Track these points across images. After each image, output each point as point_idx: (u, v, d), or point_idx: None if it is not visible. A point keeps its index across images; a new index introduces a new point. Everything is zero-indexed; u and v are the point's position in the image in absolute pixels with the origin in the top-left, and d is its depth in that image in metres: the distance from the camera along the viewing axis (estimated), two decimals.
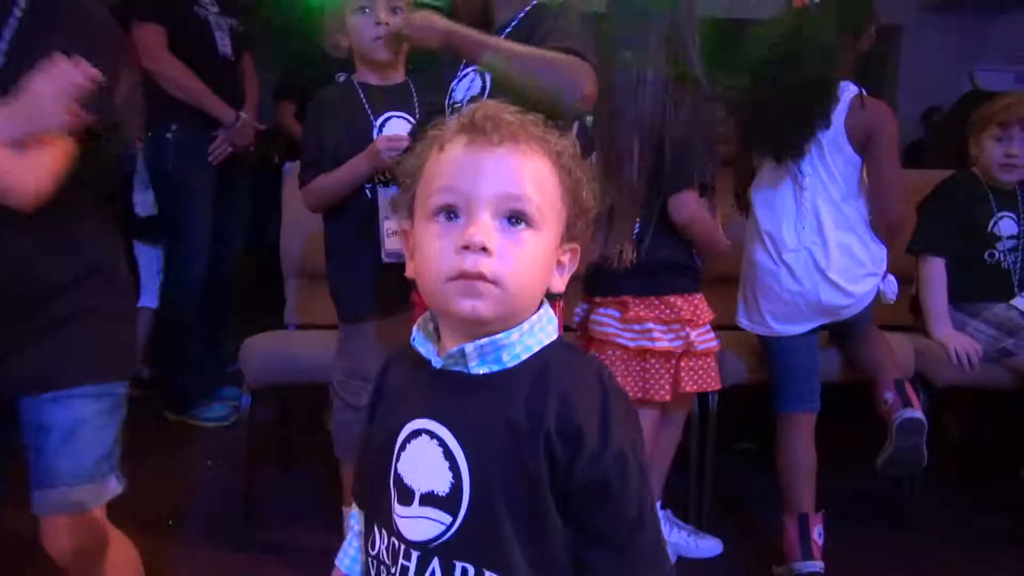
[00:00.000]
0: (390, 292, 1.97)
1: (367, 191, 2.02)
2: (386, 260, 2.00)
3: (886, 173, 2.13)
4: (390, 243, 1.99)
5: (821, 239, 2.15)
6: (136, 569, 1.55)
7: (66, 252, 1.40)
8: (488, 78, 1.65)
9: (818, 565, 2.11)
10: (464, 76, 1.68)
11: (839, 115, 2.12)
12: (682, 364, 2.05)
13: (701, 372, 2.07)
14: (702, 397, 2.34)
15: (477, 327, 0.84)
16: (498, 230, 0.82)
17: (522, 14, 1.70)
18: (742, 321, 2.33)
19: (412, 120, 2.06)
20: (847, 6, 2.20)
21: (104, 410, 1.43)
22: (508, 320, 0.85)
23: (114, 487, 1.47)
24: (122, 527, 1.55)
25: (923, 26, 5.44)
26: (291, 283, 2.80)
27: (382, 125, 2.05)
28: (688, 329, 2.02)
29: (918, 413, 2.16)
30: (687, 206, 1.98)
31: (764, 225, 2.24)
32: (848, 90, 2.14)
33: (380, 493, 0.91)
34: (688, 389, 2.06)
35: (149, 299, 3.41)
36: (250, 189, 3.50)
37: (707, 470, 2.42)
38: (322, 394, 2.59)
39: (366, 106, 2.06)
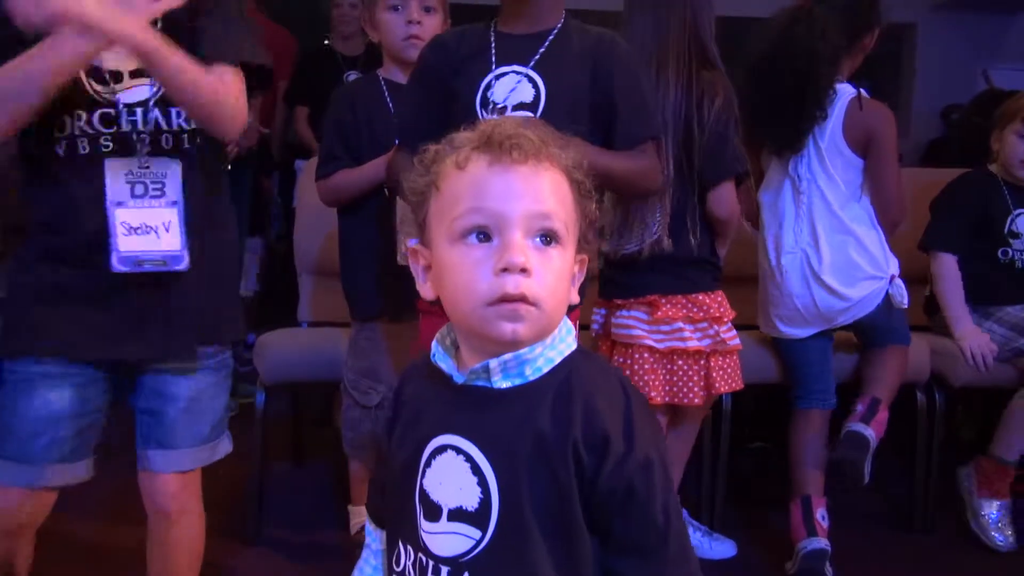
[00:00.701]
0: (404, 293, 1.94)
1: (384, 191, 2.00)
2: (401, 262, 1.95)
3: (888, 174, 2.16)
4: (405, 245, 1.95)
5: (814, 242, 2.15)
6: (203, 539, 1.61)
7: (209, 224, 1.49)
8: (542, 85, 1.60)
9: (823, 542, 2.11)
10: (503, 75, 1.62)
11: (837, 117, 2.13)
12: (712, 364, 2.01)
13: (730, 371, 2.04)
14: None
15: (511, 347, 0.84)
16: (532, 249, 0.82)
17: (558, 27, 1.65)
18: (761, 326, 2.35)
19: None
20: (849, 6, 2.19)
21: (219, 380, 1.53)
22: (539, 338, 0.85)
23: (226, 447, 1.58)
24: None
25: (937, 24, 5.41)
26: (304, 280, 2.80)
27: None
28: (717, 327, 2.00)
29: (869, 432, 2.16)
30: (728, 199, 1.98)
31: (766, 229, 2.24)
32: (846, 92, 2.14)
33: (404, 509, 0.90)
34: (722, 390, 2.04)
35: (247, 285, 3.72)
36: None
37: (720, 470, 2.41)
38: (333, 390, 2.59)
39: (390, 104, 2.05)
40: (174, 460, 1.49)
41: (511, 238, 0.81)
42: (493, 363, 0.85)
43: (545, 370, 0.86)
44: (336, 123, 2.07)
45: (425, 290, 0.90)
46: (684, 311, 1.98)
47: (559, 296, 0.85)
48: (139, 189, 1.38)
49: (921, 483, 2.48)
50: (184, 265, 1.39)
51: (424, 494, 0.88)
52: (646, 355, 1.98)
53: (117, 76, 1.39)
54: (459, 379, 0.88)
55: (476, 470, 0.85)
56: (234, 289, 1.60)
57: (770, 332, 2.32)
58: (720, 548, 2.31)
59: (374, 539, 1.02)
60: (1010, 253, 2.51)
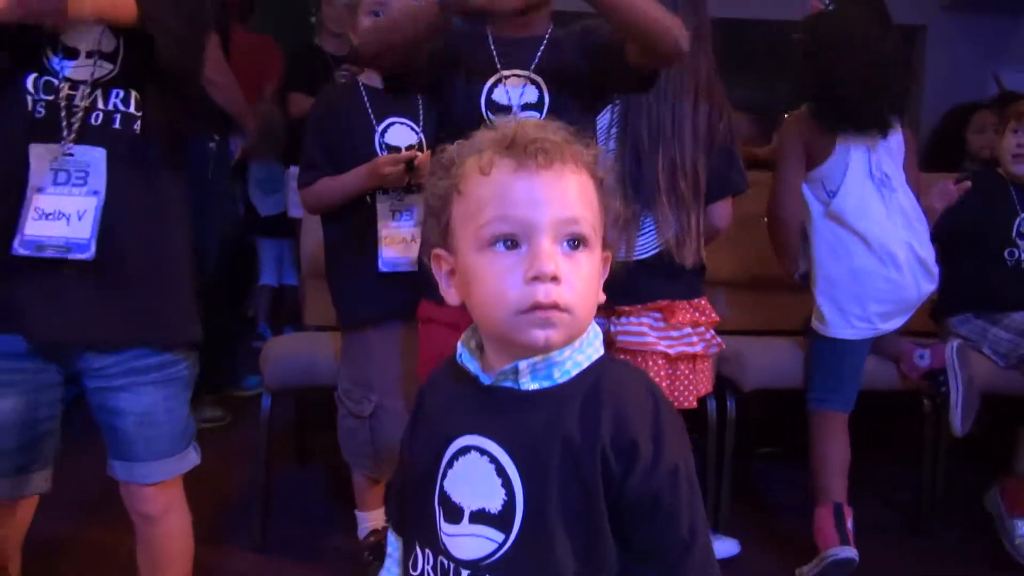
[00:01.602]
0: (390, 300, 1.97)
1: (367, 197, 2.00)
2: (383, 269, 1.98)
3: (916, 169, 2.33)
4: (387, 251, 1.97)
5: (913, 232, 2.23)
6: (189, 537, 1.60)
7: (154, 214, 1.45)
8: (545, 89, 1.66)
9: (852, 552, 2.11)
10: (509, 78, 1.66)
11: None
12: (698, 367, 2.01)
13: (709, 374, 2.04)
14: (721, 400, 2.35)
15: (541, 352, 0.84)
16: (560, 255, 0.81)
17: (548, 34, 1.72)
18: (837, 332, 2.26)
19: (415, 126, 2.05)
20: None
21: (171, 394, 1.48)
22: (569, 342, 0.85)
23: (193, 459, 1.54)
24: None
25: (947, 26, 5.39)
26: (310, 285, 2.81)
27: (384, 130, 2.04)
28: (712, 330, 2.00)
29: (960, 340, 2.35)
30: (728, 213, 2.01)
31: (865, 231, 2.23)
32: None
33: (423, 512, 0.89)
34: (702, 392, 2.03)
35: (270, 278, 4.12)
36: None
37: (725, 472, 2.40)
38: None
39: (369, 110, 2.04)
40: (137, 473, 1.47)
41: (540, 246, 0.80)
42: (523, 364, 0.84)
43: (573, 373, 0.85)
44: (317, 129, 2.06)
45: (450, 296, 0.89)
46: (691, 316, 1.98)
47: (590, 300, 0.84)
48: (62, 177, 1.37)
49: (927, 488, 2.47)
50: (89, 254, 1.35)
51: (445, 496, 0.87)
52: (660, 362, 1.96)
53: (72, 52, 1.38)
54: (486, 380, 0.87)
55: (500, 471, 0.84)
56: (177, 291, 1.50)
57: (860, 334, 2.26)
58: (723, 547, 2.30)
59: (395, 547, 1.00)
60: (1016, 254, 2.52)
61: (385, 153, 2.00)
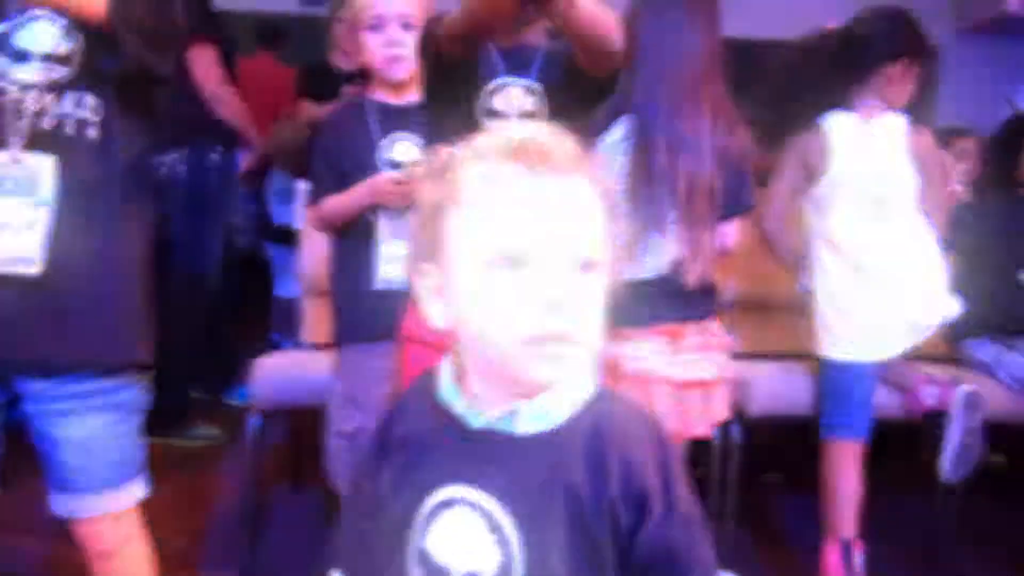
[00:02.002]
0: (387, 318, 1.92)
1: (368, 214, 1.97)
2: (380, 287, 1.95)
3: (940, 193, 2.30)
4: (385, 269, 1.94)
5: (913, 261, 2.19)
6: (148, 567, 1.51)
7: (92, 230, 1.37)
8: (543, 95, 1.75)
9: None
10: (509, 85, 1.72)
11: (902, 141, 2.23)
12: (710, 393, 1.92)
13: (725, 399, 1.96)
14: (724, 427, 2.25)
15: (543, 389, 0.76)
16: (574, 279, 0.74)
17: (544, 48, 1.80)
18: (827, 351, 2.25)
19: (420, 141, 2.01)
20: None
21: (115, 420, 1.40)
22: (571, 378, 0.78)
23: (138, 492, 1.45)
24: None
25: (962, 49, 5.38)
26: (307, 302, 2.77)
27: (389, 146, 2.01)
28: (724, 354, 1.93)
29: (975, 386, 2.22)
30: (737, 232, 1.97)
31: (850, 252, 2.21)
32: (900, 118, 2.26)
33: (392, 570, 0.81)
34: (719, 419, 1.95)
35: (283, 289, 3.95)
36: None
37: (729, 503, 2.33)
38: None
39: (373, 126, 2.01)
40: (75, 506, 1.40)
41: (551, 267, 0.73)
42: (524, 407, 0.77)
43: (570, 413, 0.78)
44: (321, 148, 2.05)
45: (436, 316, 0.80)
46: (699, 339, 1.91)
47: (598, 331, 0.77)
48: (8, 184, 1.30)
49: (941, 520, 2.42)
50: (35, 269, 1.29)
51: (425, 555, 0.79)
52: (667, 389, 1.88)
53: (22, 55, 1.32)
54: (476, 423, 0.79)
55: (495, 528, 0.76)
56: (125, 310, 1.43)
57: (849, 355, 2.22)
58: None
59: None
60: None
61: (389, 169, 1.98)
